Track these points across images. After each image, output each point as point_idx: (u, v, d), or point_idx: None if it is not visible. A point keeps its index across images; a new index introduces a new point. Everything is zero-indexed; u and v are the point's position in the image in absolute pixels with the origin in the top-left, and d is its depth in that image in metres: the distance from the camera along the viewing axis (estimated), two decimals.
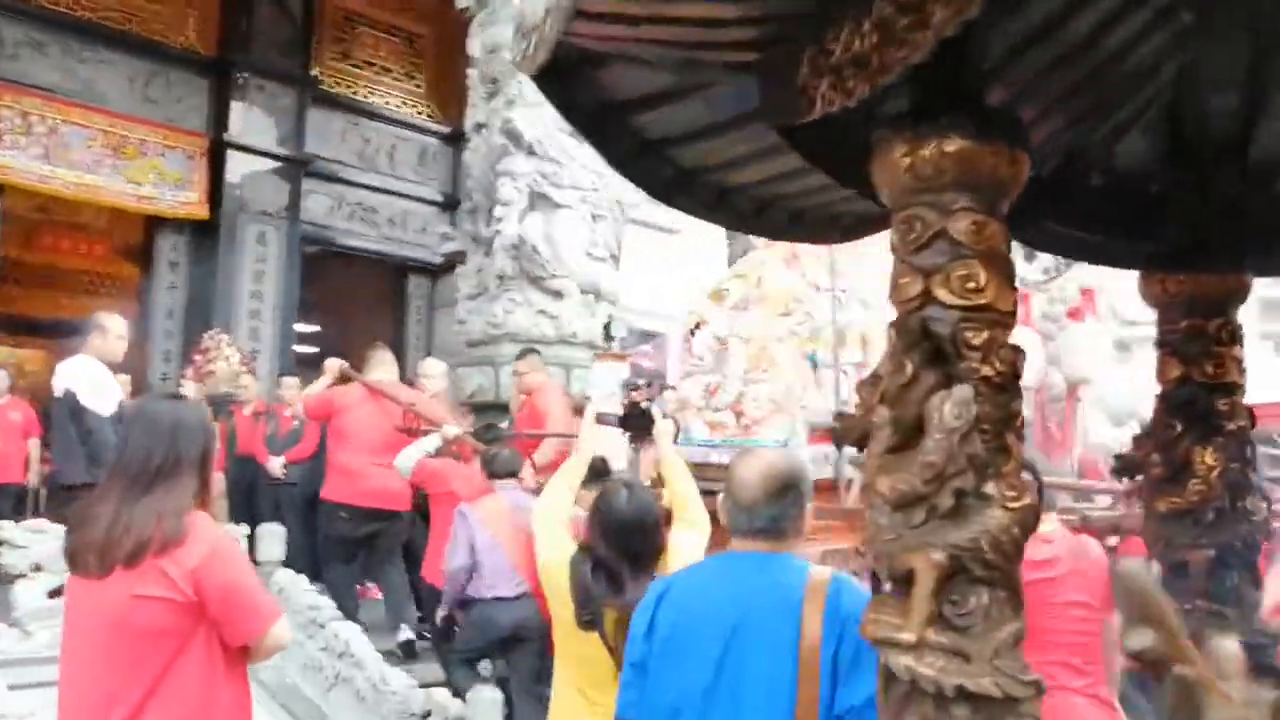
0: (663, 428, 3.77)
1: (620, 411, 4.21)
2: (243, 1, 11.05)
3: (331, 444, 6.54)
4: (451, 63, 12.91)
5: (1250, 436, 2.01)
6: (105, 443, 5.47)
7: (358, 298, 12.39)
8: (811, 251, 4.61)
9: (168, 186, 10.74)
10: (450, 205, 12.81)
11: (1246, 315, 2.04)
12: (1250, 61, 1.74)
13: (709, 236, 14.60)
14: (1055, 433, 9.48)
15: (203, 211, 10.87)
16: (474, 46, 8.45)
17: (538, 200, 7.94)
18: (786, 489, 2.27)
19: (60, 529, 4.86)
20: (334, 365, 6.51)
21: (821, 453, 4.17)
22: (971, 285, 1.22)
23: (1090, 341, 8.93)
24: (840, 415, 1.38)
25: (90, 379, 5.49)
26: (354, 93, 12.25)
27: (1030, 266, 21.20)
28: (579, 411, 6.16)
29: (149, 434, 2.56)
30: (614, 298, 8.31)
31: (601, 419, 4.04)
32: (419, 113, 12.81)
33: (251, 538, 5.37)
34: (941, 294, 1.23)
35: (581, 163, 8.05)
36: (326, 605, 5.10)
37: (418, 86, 12.86)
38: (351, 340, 9.78)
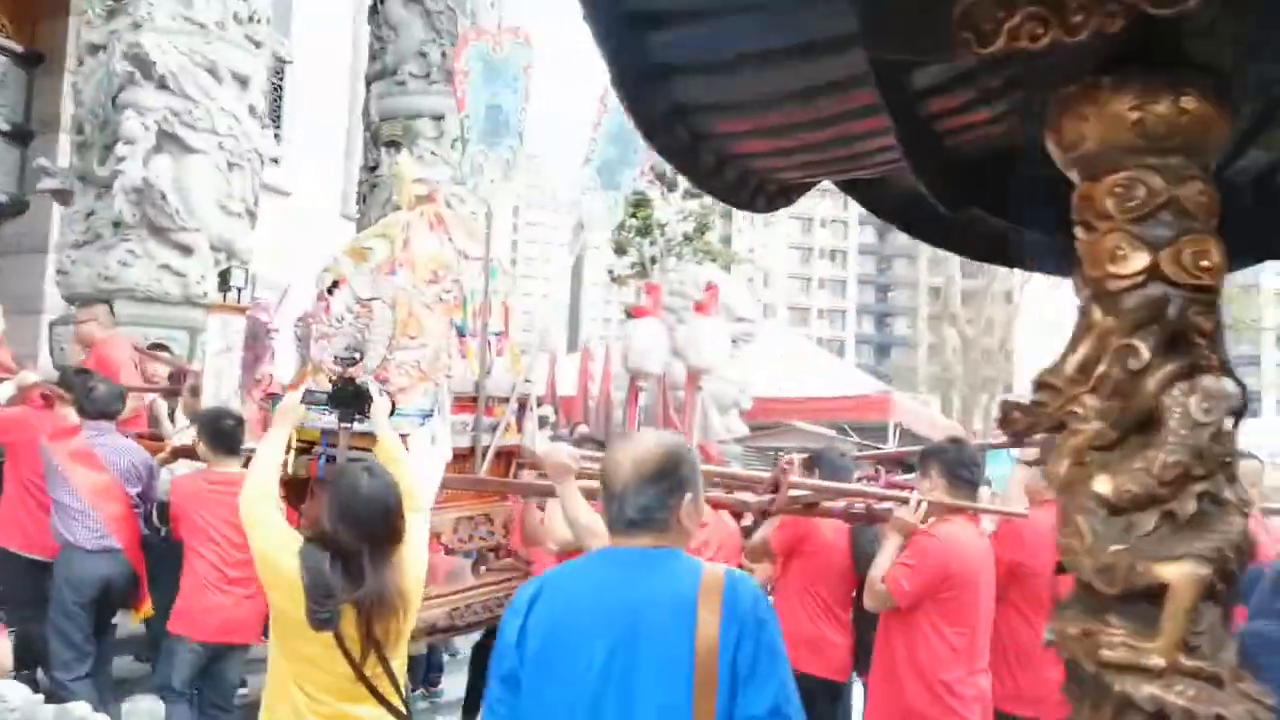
0: (381, 406, 3.55)
1: (327, 387, 3.94)
2: None
3: None
4: None
5: None
6: None
7: None
8: (453, 218, 4.65)
9: None
10: (21, 137, 10.95)
11: None
12: None
13: (326, 200, 13.83)
14: (675, 419, 9.94)
15: None
16: None
17: (166, 141, 6.99)
18: (661, 475, 2.05)
19: None
20: None
21: (461, 421, 4.17)
22: (1205, 263, 1.12)
23: (713, 334, 9.44)
24: (1013, 405, 1.23)
25: None
26: None
27: (621, 260, 22.37)
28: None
29: None
30: (248, 257, 7.51)
31: (310, 398, 3.80)
32: None
33: None
34: (1171, 270, 1.12)
35: (221, 104, 7.22)
36: (12, 693, 4.16)
37: None
38: None
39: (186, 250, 7.03)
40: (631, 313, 9.97)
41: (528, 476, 4.56)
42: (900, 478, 5.40)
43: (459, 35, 9.58)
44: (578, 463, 3.85)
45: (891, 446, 10.95)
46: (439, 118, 9.60)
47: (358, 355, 4.16)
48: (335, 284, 4.35)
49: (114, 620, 5.04)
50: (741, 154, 1.89)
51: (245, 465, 4.49)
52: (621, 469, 2.07)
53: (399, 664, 2.85)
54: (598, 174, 5.00)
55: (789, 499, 3.97)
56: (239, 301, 6.28)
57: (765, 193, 2.10)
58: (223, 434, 4.65)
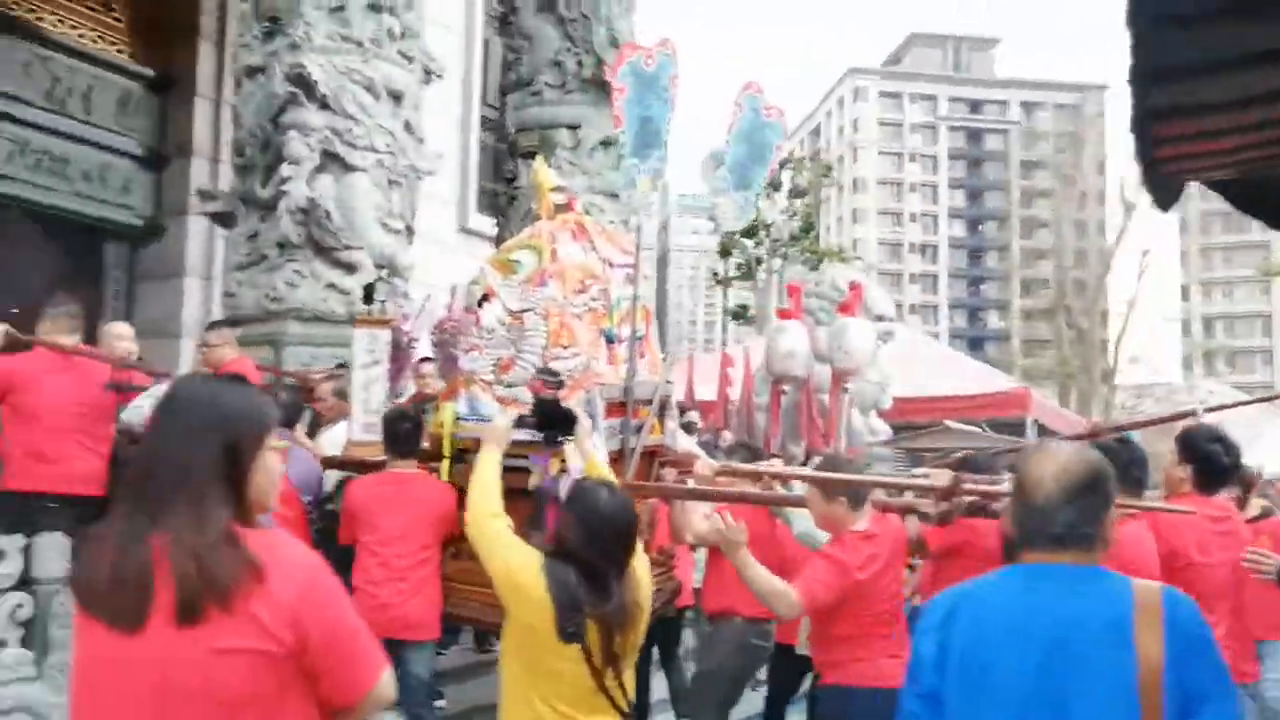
0: (585, 426, 3.57)
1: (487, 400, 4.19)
2: None
3: (11, 425, 5.34)
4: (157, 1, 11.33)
5: None
6: None
7: (40, 264, 10.48)
8: (593, 226, 4.70)
9: None
10: (155, 162, 11.18)
11: None
12: None
13: (444, 216, 13.89)
14: (819, 422, 9.72)
15: None
16: None
17: (328, 161, 7.00)
18: (1088, 489, 2.00)
19: None
20: None
21: (610, 425, 4.25)
22: None
23: (859, 335, 9.19)
24: None
25: None
26: (40, 20, 10.32)
27: (726, 262, 22.16)
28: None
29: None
30: (408, 274, 7.50)
31: (520, 422, 3.82)
32: (119, 52, 11.04)
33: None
34: None
35: (378, 121, 7.21)
36: None
37: (117, 20, 11.07)
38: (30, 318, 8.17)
39: (350, 268, 7.03)
40: (777, 315, 9.77)
41: (669, 474, 4.68)
42: None
43: (594, 43, 9.52)
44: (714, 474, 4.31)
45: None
46: (575, 127, 9.54)
47: (559, 376, 4.17)
48: (485, 297, 4.47)
49: None
50: (1182, 154, 1.77)
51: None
52: (1044, 483, 2.02)
53: (629, 676, 2.89)
54: (730, 174, 4.96)
55: (965, 504, 3.89)
56: (384, 315, 6.37)
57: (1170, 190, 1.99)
58: (400, 436, 4.71)
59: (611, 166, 9.75)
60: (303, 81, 6.83)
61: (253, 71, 7.22)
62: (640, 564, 2.98)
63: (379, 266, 7.23)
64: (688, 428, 10.16)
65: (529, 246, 4.60)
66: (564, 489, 3.84)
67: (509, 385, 4.39)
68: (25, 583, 4.49)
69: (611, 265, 4.56)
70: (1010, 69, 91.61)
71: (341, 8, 7.13)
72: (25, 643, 4.45)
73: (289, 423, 5.17)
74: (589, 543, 2.78)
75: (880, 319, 10.36)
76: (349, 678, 1.80)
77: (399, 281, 7.41)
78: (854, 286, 9.73)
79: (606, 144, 9.66)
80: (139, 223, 11.03)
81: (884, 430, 10.39)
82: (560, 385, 4.21)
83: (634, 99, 4.35)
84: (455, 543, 4.55)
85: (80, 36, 10.65)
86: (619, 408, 4.27)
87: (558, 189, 4.75)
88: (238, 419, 1.82)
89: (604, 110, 9.64)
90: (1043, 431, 12.26)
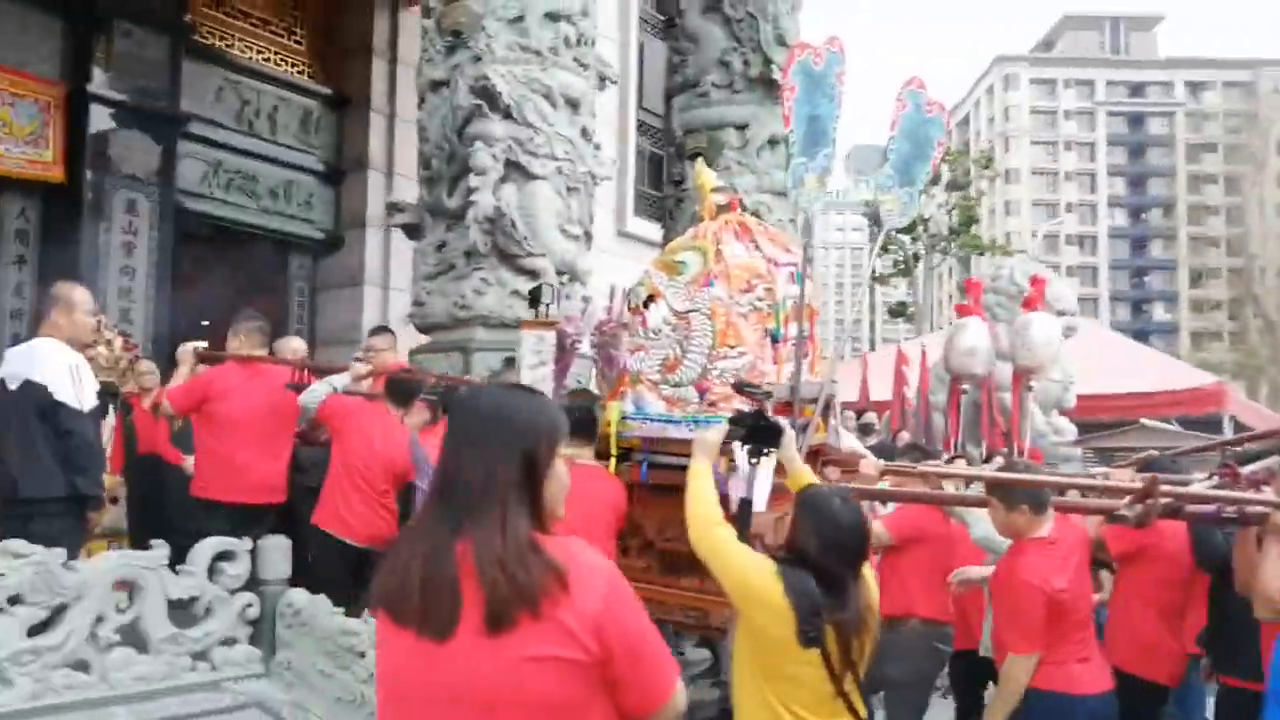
0: (790, 438, 3.50)
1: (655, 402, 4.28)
2: None
3: (204, 434, 5.71)
4: (334, 18, 11.79)
5: None
6: (87, 444, 4.40)
7: (231, 278, 11.02)
8: (756, 225, 4.70)
9: (15, 141, 9.15)
10: (333, 176, 11.63)
11: None
12: None
13: (601, 217, 14.01)
14: (1000, 422, 9.40)
15: (58, 173, 9.33)
16: None
17: (511, 170, 7.11)
18: None
19: (41, 552, 3.86)
20: (187, 351, 5.78)
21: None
22: None
23: (1043, 331, 8.84)
24: None
25: (63, 366, 4.36)
26: (229, 45, 10.86)
27: (883, 260, 21.88)
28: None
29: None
30: (587, 279, 7.56)
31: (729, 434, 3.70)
32: (299, 72, 11.53)
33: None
34: None
35: (557, 129, 7.29)
36: (364, 630, 4.37)
37: (298, 43, 11.57)
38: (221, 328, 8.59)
39: (533, 275, 7.11)
40: (956, 312, 9.50)
41: (833, 474, 4.62)
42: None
43: (761, 42, 9.44)
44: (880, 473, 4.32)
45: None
46: (743, 126, 9.48)
47: (762, 387, 4.09)
48: (650, 298, 4.51)
49: None
50: None
51: None
52: None
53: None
54: (894, 170, 4.93)
55: (1161, 507, 3.68)
56: (548, 317, 6.49)
57: None
58: (579, 424, 4.67)
59: (779, 165, 9.65)
60: (486, 93, 6.96)
61: (436, 86, 7.39)
62: (869, 571, 2.99)
63: (560, 273, 7.31)
64: (865, 429, 10.00)
65: (694, 248, 4.61)
66: (732, 489, 3.83)
67: (675, 385, 4.40)
68: (253, 583, 4.67)
69: (776, 264, 4.55)
70: (1174, 48, 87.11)
71: (521, 18, 7.24)
72: (254, 640, 4.63)
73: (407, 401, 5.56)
74: (826, 550, 2.82)
75: (1062, 314, 9.96)
76: (648, 686, 1.79)
77: (578, 286, 7.50)
78: (1036, 280, 9.39)
79: (774, 142, 9.57)
80: (320, 235, 11.51)
81: (1069, 430, 9.98)
82: (767, 396, 4.13)
83: (803, 98, 4.35)
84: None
85: (265, 60, 11.17)
86: (785, 407, 4.23)
87: (719, 189, 4.77)
88: (534, 428, 1.82)
89: (771, 109, 9.55)
90: (1239, 428, 11.58)
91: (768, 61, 9.40)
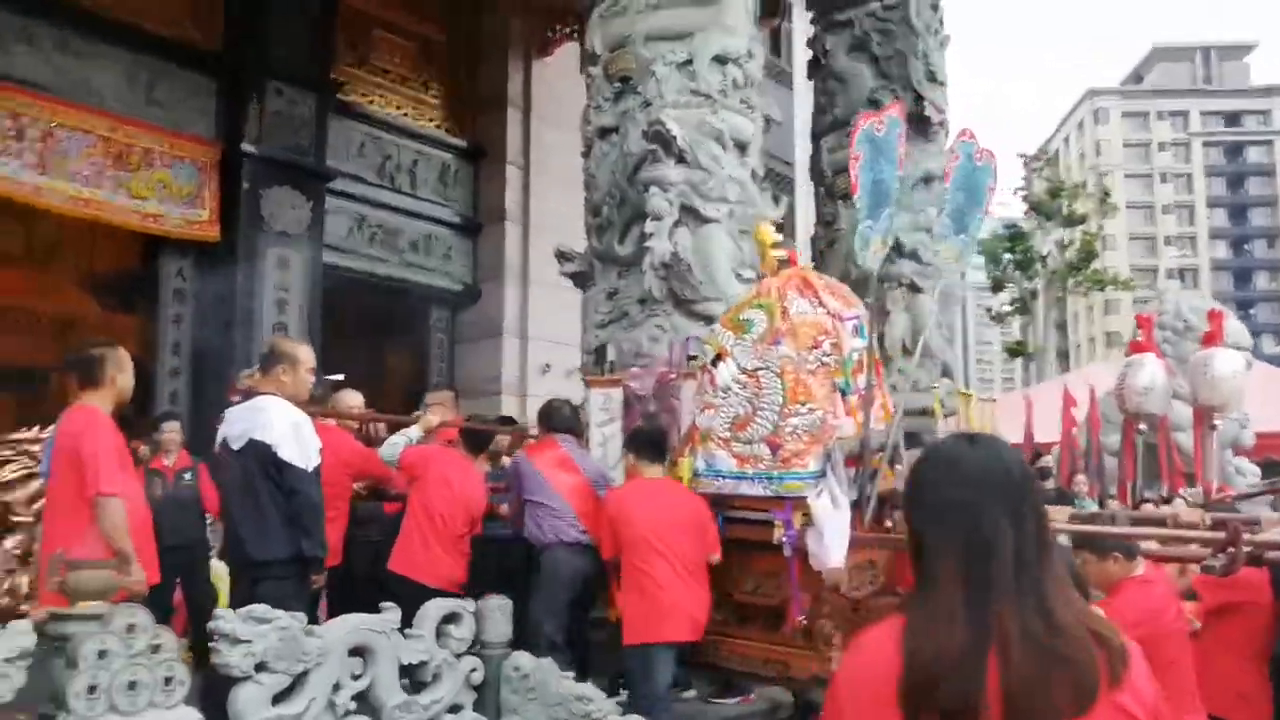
0: None
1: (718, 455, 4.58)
2: None
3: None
4: (469, 72, 11.89)
5: None
6: (312, 505, 4.28)
7: (374, 331, 11.08)
8: (818, 279, 4.84)
9: (175, 203, 9.31)
10: (470, 229, 11.65)
11: None
12: None
13: None
14: (1179, 463, 8.94)
15: (213, 231, 9.46)
16: (595, 41, 7.43)
17: (685, 214, 6.97)
18: None
19: (284, 616, 3.73)
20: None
21: (852, 476, 4.38)
22: None
23: (1226, 367, 8.38)
24: None
25: (288, 425, 4.27)
26: (370, 102, 10.99)
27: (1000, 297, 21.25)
28: None
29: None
30: None
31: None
32: (436, 126, 11.62)
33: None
34: None
35: (729, 172, 7.13)
36: (597, 696, 4.22)
37: (435, 98, 11.68)
38: (369, 381, 8.54)
39: (709, 320, 6.94)
40: (1128, 349, 9.09)
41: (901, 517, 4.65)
42: None
43: (911, 80, 9.23)
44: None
45: None
46: None
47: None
48: (718, 357, 4.61)
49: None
50: None
51: None
52: None
53: None
54: (950, 220, 5.28)
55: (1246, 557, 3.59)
56: (613, 374, 6.66)
57: None
58: (653, 446, 5.02)
59: (933, 203, 9.38)
60: (660, 138, 6.83)
61: (605, 132, 7.30)
62: None
63: None
64: (1042, 474, 9.58)
65: (759, 305, 4.67)
66: (812, 547, 4.13)
67: (746, 442, 4.44)
68: (478, 645, 4.51)
69: (840, 319, 4.61)
70: (1267, 75, 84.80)
71: (689, 62, 7.13)
72: (479, 707, 4.45)
73: (571, 430, 5.72)
74: None
75: (1239, 349, 9.47)
76: None
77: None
78: (1214, 315, 8.93)
79: (928, 180, 9.31)
80: (459, 287, 11.52)
81: (1250, 470, 9.45)
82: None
83: (867, 164, 4.53)
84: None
85: (404, 115, 11.28)
86: (854, 460, 4.39)
87: (778, 245, 4.90)
88: (1035, 485, 1.60)
89: (924, 147, 9.29)
90: None
91: (919, 99, 9.17)
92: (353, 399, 6.61)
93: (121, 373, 4.27)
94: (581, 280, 7.53)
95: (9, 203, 8.45)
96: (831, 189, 9.50)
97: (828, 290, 4.70)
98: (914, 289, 8.98)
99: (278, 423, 4.25)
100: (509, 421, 7.57)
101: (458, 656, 4.41)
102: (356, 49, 10.98)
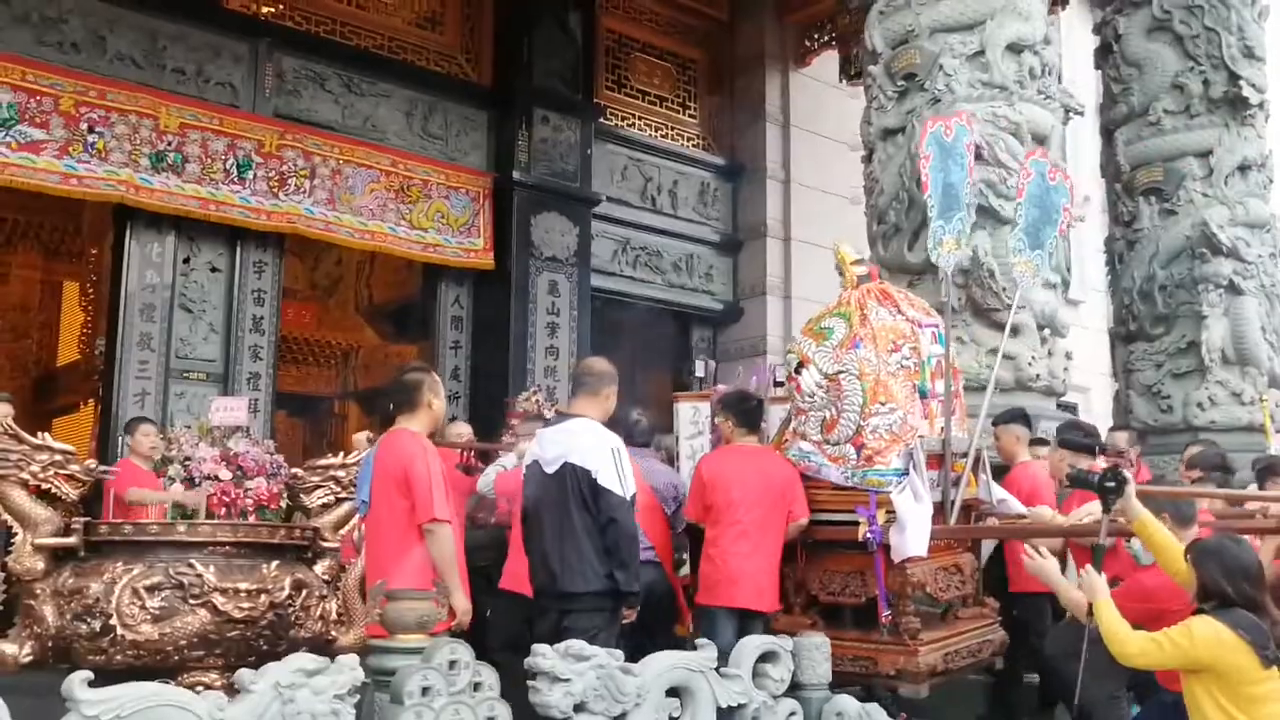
0: (1132, 488, 3.82)
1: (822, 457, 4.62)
2: (520, 23, 9.90)
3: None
4: (725, 86, 11.74)
5: None
6: (629, 536, 4.08)
7: (639, 352, 11.03)
8: (897, 292, 4.95)
9: (452, 232, 9.56)
10: (730, 246, 11.46)
11: None
12: None
13: None
14: None
15: (488, 259, 9.66)
16: (874, 39, 7.05)
17: (982, 215, 6.47)
18: None
19: (602, 653, 3.53)
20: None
21: (933, 478, 4.49)
22: None
23: None
24: None
25: (606, 449, 4.10)
26: (630, 124, 11.00)
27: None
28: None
29: None
30: (1066, 332, 6.75)
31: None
32: (694, 145, 11.51)
33: None
34: None
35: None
36: None
37: (692, 117, 11.58)
38: (632, 400, 8.38)
39: (1013, 331, 6.40)
40: None
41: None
42: None
43: (1224, 58, 8.33)
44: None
45: None
46: (1205, 154, 8.34)
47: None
48: (800, 364, 4.68)
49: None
50: None
51: None
52: None
53: None
54: (1025, 235, 5.37)
55: None
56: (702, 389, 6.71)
57: None
58: (748, 413, 4.97)
59: (1256, 193, 8.42)
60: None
61: (889, 134, 6.91)
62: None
63: (1040, 327, 6.56)
64: None
65: (838, 314, 4.75)
66: (894, 539, 4.28)
67: (835, 444, 4.55)
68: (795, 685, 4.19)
69: (919, 325, 4.68)
70: None
71: (981, 53, 6.65)
72: None
73: (644, 443, 5.54)
74: (1240, 583, 3.21)
75: None
76: None
77: (1059, 341, 6.69)
78: None
79: (1245, 168, 8.36)
80: (720, 306, 11.34)
81: None
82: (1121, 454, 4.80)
83: (936, 165, 4.63)
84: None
85: (662, 135, 11.23)
86: (935, 460, 4.51)
87: (858, 261, 4.97)
88: None
89: (1240, 131, 8.39)
90: None
91: (1234, 78, 8.26)
92: (461, 429, 6.74)
93: (437, 398, 4.23)
94: None
95: (301, 239, 8.90)
96: (1130, 185, 8.68)
97: (907, 300, 4.82)
98: (1234, 290, 8.05)
99: (597, 447, 4.08)
100: None
101: (775, 698, 4.11)
102: (615, 72, 11.02)
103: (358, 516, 4.92)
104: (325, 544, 5.07)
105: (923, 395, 4.56)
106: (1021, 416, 5.76)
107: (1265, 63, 8.41)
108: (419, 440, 4.09)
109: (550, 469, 4.17)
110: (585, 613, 4.11)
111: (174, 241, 8.15)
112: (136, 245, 8.02)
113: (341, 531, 5.30)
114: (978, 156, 6.45)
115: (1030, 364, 6.40)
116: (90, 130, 7.74)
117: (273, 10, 9.00)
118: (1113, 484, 3.82)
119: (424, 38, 9.85)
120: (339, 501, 5.30)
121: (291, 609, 4.52)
